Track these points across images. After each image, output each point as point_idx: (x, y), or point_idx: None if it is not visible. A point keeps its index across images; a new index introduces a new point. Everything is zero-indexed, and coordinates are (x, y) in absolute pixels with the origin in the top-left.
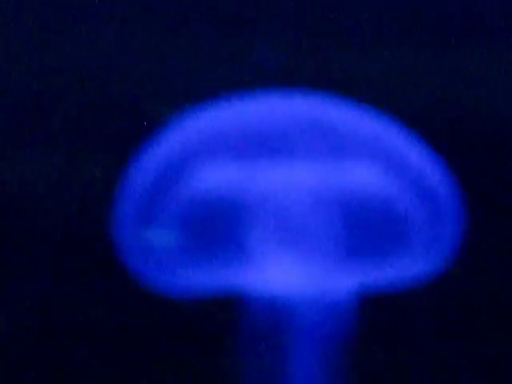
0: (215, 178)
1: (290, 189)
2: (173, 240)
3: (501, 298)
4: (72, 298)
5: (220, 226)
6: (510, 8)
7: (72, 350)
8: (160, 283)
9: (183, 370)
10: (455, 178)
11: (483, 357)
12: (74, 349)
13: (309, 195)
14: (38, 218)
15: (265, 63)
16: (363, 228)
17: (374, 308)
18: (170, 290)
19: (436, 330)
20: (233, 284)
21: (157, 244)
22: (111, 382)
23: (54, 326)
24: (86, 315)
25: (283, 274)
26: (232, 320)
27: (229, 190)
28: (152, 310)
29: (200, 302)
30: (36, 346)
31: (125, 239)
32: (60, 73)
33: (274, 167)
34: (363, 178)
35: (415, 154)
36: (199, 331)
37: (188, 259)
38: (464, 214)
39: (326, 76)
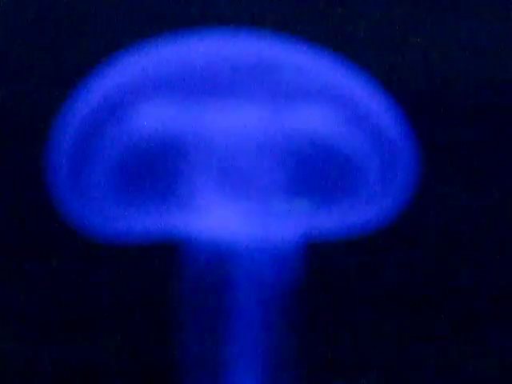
0: (155, 118)
1: (233, 132)
2: (111, 183)
3: (447, 246)
4: (7, 244)
5: (160, 169)
6: None
7: (8, 296)
8: (97, 228)
9: (124, 318)
10: (411, 129)
11: (432, 301)
12: (11, 296)
13: (254, 139)
14: None
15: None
16: (310, 173)
17: (319, 255)
18: (108, 235)
19: (383, 276)
20: (173, 229)
21: (94, 188)
22: (46, 333)
23: None
24: (21, 262)
25: (226, 219)
26: (172, 266)
27: (169, 132)
28: (91, 256)
29: (140, 248)
30: None
31: (60, 182)
32: None
33: (219, 109)
34: (314, 123)
35: (373, 103)
36: (140, 278)
37: (127, 203)
38: (417, 167)
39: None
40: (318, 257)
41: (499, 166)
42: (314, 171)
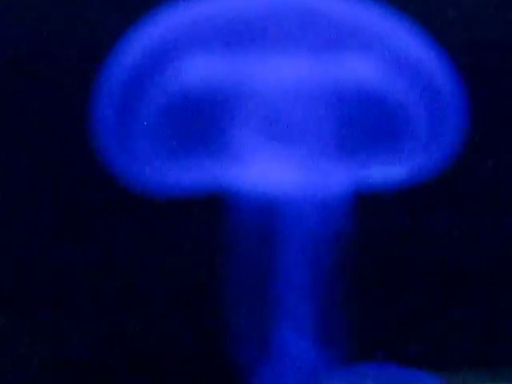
0: (201, 69)
1: (280, 82)
2: (156, 136)
3: (499, 193)
4: (54, 198)
5: (207, 121)
6: None
7: (55, 248)
8: (144, 181)
9: (166, 269)
10: (459, 75)
11: (479, 254)
12: (57, 247)
13: (301, 90)
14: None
15: None
16: (358, 123)
17: (368, 206)
18: (154, 188)
19: (432, 229)
20: (220, 181)
21: (140, 140)
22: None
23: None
24: (68, 215)
25: (273, 171)
26: (219, 218)
27: (215, 84)
28: (136, 209)
29: (186, 201)
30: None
31: (107, 135)
32: None
33: (264, 59)
34: (360, 72)
35: (418, 50)
36: (185, 230)
37: (173, 155)
38: (466, 113)
39: None
40: (367, 211)
41: None
42: (361, 122)
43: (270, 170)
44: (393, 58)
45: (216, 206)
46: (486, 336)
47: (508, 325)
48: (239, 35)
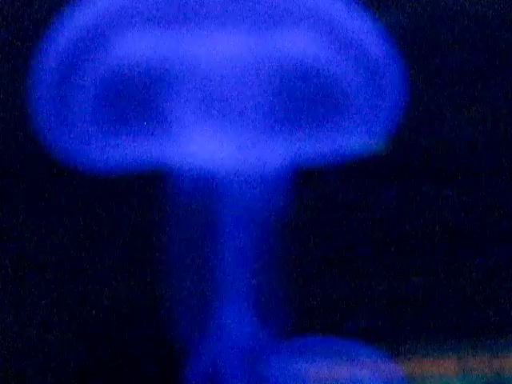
0: (137, 46)
1: (217, 58)
2: (95, 113)
3: (439, 165)
4: None
5: (145, 99)
6: None
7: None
8: (83, 159)
9: (110, 248)
10: (398, 54)
11: (428, 237)
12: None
13: (238, 65)
14: None
15: None
16: (296, 99)
17: (308, 181)
18: (94, 165)
19: (373, 202)
20: (158, 158)
21: (78, 118)
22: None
23: None
24: (9, 195)
25: (211, 147)
26: (158, 195)
27: (153, 61)
28: (77, 187)
29: (125, 178)
30: None
31: (43, 115)
32: None
33: (202, 35)
34: (298, 48)
35: (357, 26)
36: (125, 206)
37: (111, 133)
38: (404, 88)
39: None
40: (308, 186)
41: (493, 88)
42: (299, 97)
43: (208, 147)
44: (331, 34)
45: (155, 183)
46: (428, 309)
47: (449, 295)
48: (176, 12)
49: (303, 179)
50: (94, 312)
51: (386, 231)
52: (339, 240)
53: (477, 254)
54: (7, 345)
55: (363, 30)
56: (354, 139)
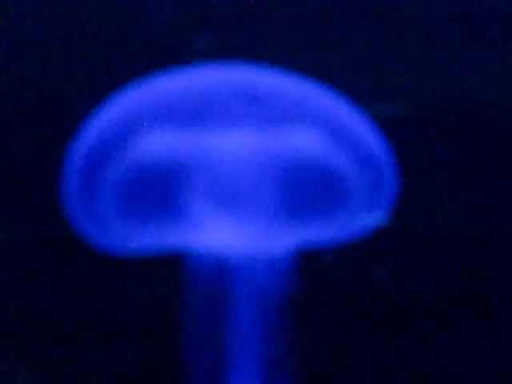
0: (156, 145)
1: (230, 154)
2: (118, 205)
3: (436, 249)
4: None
5: (163, 191)
6: None
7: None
8: (107, 245)
9: (130, 326)
10: (390, 145)
11: (430, 305)
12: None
13: (247, 160)
14: None
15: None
16: (300, 190)
17: (313, 264)
18: (117, 251)
19: (373, 284)
20: (177, 245)
21: (103, 210)
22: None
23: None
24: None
25: (224, 235)
26: (174, 280)
27: (170, 157)
28: (98, 271)
29: (143, 263)
30: None
31: (73, 204)
32: None
33: (215, 133)
34: (302, 143)
35: (354, 122)
36: (142, 291)
37: (133, 223)
38: (397, 178)
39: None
40: (311, 265)
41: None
42: (303, 188)
43: (222, 234)
44: (332, 129)
45: (174, 266)
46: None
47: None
48: (192, 113)
49: (307, 262)
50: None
51: (386, 313)
52: (343, 320)
53: None
54: None
55: (360, 124)
56: (353, 225)
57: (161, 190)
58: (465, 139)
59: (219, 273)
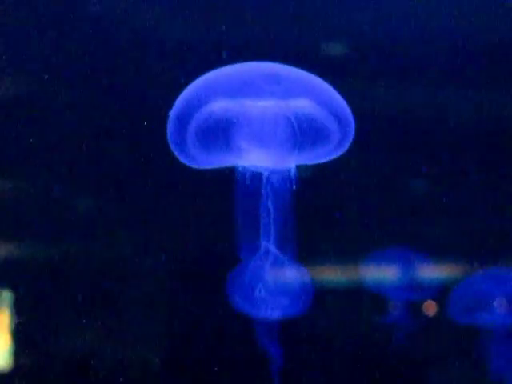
0: (217, 108)
1: (260, 113)
2: (196, 142)
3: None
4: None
5: (221, 134)
6: None
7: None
8: (189, 164)
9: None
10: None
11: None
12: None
13: (270, 116)
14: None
15: None
16: (301, 134)
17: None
18: (197, 167)
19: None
20: (233, 164)
21: (188, 144)
22: None
23: None
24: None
25: (259, 158)
26: (232, 183)
27: (225, 115)
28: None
29: (214, 172)
30: None
31: (173, 141)
32: None
33: (250, 102)
34: (302, 106)
35: (333, 94)
36: (211, 189)
37: (205, 153)
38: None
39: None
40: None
41: None
42: (302, 133)
43: (256, 159)
44: (320, 98)
45: (230, 176)
46: None
47: None
48: (238, 88)
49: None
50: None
51: None
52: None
53: None
54: None
55: (336, 95)
56: (330, 155)
57: (221, 134)
58: None
59: (255, 180)
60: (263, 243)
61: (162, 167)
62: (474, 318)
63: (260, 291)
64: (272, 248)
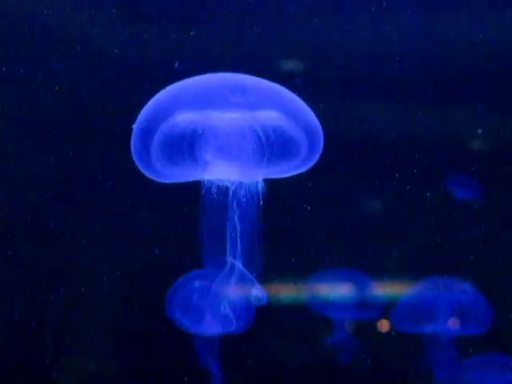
0: (182, 120)
1: (226, 125)
2: (160, 156)
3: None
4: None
5: (186, 148)
6: None
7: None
8: (153, 178)
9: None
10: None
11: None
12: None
13: (236, 128)
14: None
15: None
16: (268, 146)
17: (276, 187)
18: (161, 181)
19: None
20: (198, 178)
21: (152, 158)
22: None
23: None
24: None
25: (224, 172)
26: (197, 196)
27: (191, 127)
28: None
29: (178, 187)
30: None
31: (138, 157)
32: None
33: (217, 114)
34: (269, 118)
35: (299, 105)
36: (176, 204)
37: (170, 166)
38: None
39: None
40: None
41: None
42: (270, 145)
43: (222, 172)
44: (287, 109)
45: (195, 190)
46: None
47: None
48: (204, 100)
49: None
50: None
51: None
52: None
53: None
54: None
55: (303, 106)
56: (297, 169)
57: (186, 147)
58: None
59: (220, 193)
60: (228, 258)
61: (126, 181)
62: (419, 328)
63: (201, 307)
64: (237, 263)
